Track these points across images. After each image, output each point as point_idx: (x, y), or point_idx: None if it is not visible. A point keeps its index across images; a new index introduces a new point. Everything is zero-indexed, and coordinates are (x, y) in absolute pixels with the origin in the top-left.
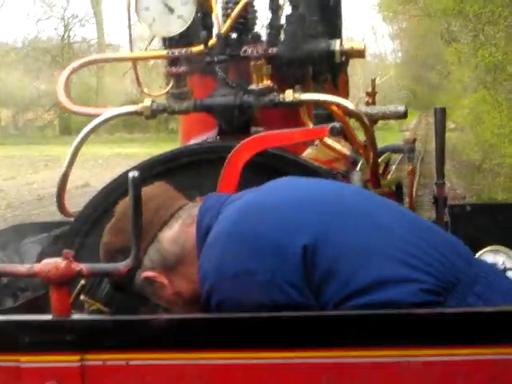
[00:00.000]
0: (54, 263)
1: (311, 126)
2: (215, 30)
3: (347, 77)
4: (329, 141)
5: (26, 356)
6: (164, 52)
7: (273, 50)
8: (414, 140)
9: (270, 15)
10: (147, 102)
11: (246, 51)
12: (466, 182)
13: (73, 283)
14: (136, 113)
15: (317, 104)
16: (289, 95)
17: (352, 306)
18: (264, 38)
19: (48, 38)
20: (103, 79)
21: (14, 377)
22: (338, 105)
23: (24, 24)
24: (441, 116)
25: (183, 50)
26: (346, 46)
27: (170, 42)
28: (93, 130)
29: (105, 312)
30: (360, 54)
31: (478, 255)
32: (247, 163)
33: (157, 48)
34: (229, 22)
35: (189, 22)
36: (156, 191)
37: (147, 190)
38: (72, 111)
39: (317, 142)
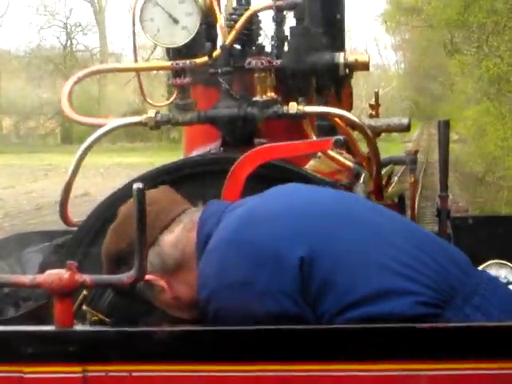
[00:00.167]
0: (57, 274)
1: (315, 138)
2: (219, 42)
3: (351, 89)
4: (332, 153)
5: (28, 367)
6: (168, 63)
7: (277, 62)
8: (416, 152)
9: (274, 27)
10: (151, 113)
11: (250, 63)
12: (469, 195)
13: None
14: (140, 123)
15: (320, 116)
16: (292, 107)
17: (348, 318)
18: (268, 49)
19: (50, 46)
20: (105, 88)
21: None
22: (342, 117)
23: (26, 32)
24: (444, 128)
25: (187, 62)
26: (350, 58)
27: (174, 53)
28: (97, 140)
29: (107, 323)
30: (364, 66)
31: (480, 269)
32: (250, 175)
33: (159, 57)
34: (233, 33)
35: (193, 33)
36: (158, 195)
37: (150, 194)
38: (76, 121)
39: (320, 153)
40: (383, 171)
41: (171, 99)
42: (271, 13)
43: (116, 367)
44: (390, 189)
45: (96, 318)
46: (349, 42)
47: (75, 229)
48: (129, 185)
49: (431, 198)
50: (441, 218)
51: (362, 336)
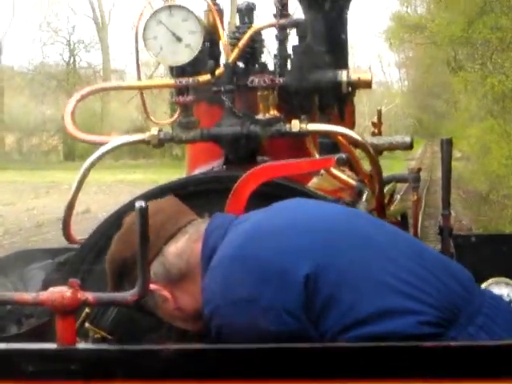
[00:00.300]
0: (59, 292)
1: (317, 156)
2: (222, 60)
3: (354, 106)
4: (334, 171)
5: None
6: (171, 81)
7: (280, 80)
8: (419, 170)
9: (277, 45)
10: (154, 131)
11: (252, 81)
12: (472, 213)
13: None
14: (143, 141)
15: (323, 134)
16: (295, 125)
17: (351, 337)
18: (271, 67)
19: (54, 63)
20: (108, 105)
21: None
22: (344, 135)
23: (29, 49)
24: (447, 146)
25: (190, 80)
26: (353, 76)
27: (177, 71)
28: (99, 158)
29: (110, 340)
30: (367, 84)
31: (482, 287)
32: (253, 193)
33: (163, 74)
34: (236, 51)
35: (196, 51)
36: (164, 205)
37: (156, 204)
38: (79, 139)
39: (322, 171)
40: (385, 189)
41: (174, 117)
42: (275, 31)
43: None
44: (392, 207)
45: (99, 336)
46: (352, 59)
47: (78, 246)
48: (131, 202)
49: (434, 216)
50: (443, 236)
51: (364, 355)
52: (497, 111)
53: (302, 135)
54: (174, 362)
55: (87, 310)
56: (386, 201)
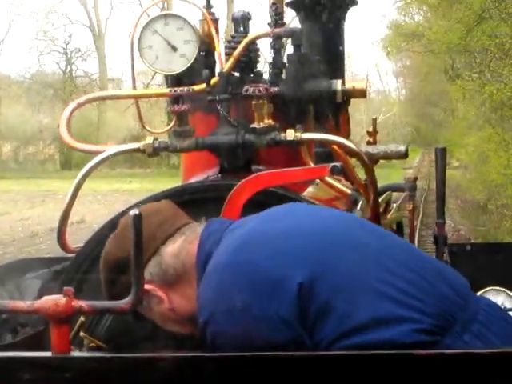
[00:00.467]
0: (54, 300)
1: (312, 164)
2: (217, 69)
3: (348, 115)
4: (330, 179)
5: None
6: (167, 90)
7: (274, 90)
8: (415, 179)
9: (272, 54)
10: (149, 140)
11: (247, 90)
12: (470, 223)
13: (73, 320)
14: (138, 150)
15: (318, 143)
16: (290, 134)
17: (345, 345)
18: (266, 75)
19: (50, 71)
20: (105, 114)
21: None
22: (339, 144)
23: (26, 57)
24: (441, 155)
25: (185, 89)
26: (348, 85)
27: (172, 80)
28: (94, 167)
29: (104, 349)
30: (361, 93)
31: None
32: (248, 201)
33: (159, 83)
34: (231, 60)
35: (191, 61)
36: (161, 207)
37: (152, 206)
38: (75, 149)
39: (318, 180)
40: (381, 198)
41: (170, 126)
42: (270, 40)
43: None
44: (388, 215)
45: (93, 344)
46: (350, 68)
47: (74, 255)
48: (126, 211)
49: (432, 226)
50: (438, 244)
51: (359, 363)
52: (495, 120)
53: (296, 144)
54: (169, 371)
55: (82, 318)
56: (381, 210)
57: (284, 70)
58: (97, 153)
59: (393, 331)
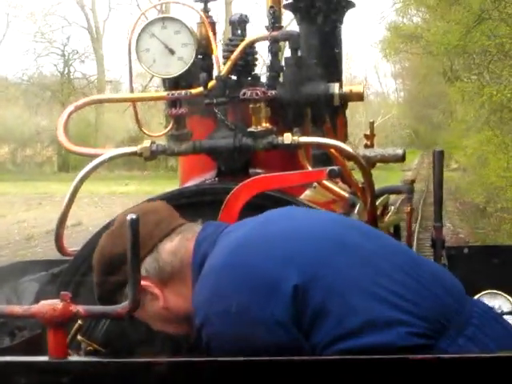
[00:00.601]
0: (51, 305)
1: (310, 168)
2: (215, 72)
3: (346, 119)
4: (327, 183)
5: None
6: (164, 93)
7: (272, 93)
8: (413, 181)
9: (269, 58)
10: (146, 144)
11: (245, 94)
12: (469, 226)
13: (70, 323)
14: (135, 154)
15: (315, 147)
16: (287, 138)
17: (340, 348)
18: (264, 78)
19: (48, 73)
20: (102, 115)
21: None
22: (336, 148)
23: (23, 59)
24: (439, 158)
25: (183, 92)
26: (345, 89)
27: (169, 84)
28: (92, 171)
29: (102, 353)
30: (359, 97)
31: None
32: (245, 205)
33: (157, 85)
34: (229, 64)
35: (189, 64)
36: (158, 206)
37: (149, 205)
38: (72, 152)
39: (315, 183)
40: (378, 201)
41: (167, 129)
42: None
43: None
44: (386, 218)
45: (91, 348)
46: (348, 70)
47: (71, 258)
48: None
49: (431, 229)
50: (435, 247)
51: (355, 368)
52: (494, 122)
53: (294, 147)
54: (166, 375)
55: (79, 321)
56: (379, 213)
57: (281, 74)
58: (94, 156)
59: (388, 334)
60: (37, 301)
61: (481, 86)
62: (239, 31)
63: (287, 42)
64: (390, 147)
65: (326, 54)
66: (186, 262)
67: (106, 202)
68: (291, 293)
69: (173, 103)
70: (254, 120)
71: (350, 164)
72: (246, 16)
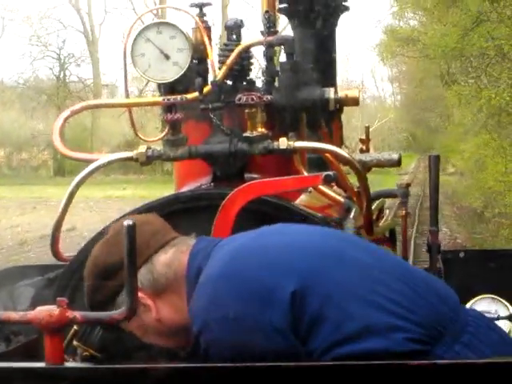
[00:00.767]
0: (47, 311)
1: (305, 173)
2: (210, 77)
3: (341, 123)
4: (322, 187)
5: None
6: (159, 99)
7: (267, 98)
8: (408, 185)
9: (264, 62)
10: (142, 149)
11: (240, 99)
12: (467, 231)
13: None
14: (131, 159)
15: (311, 152)
16: (283, 143)
17: (337, 354)
18: (259, 83)
19: (44, 77)
20: (99, 119)
21: None
22: (332, 153)
23: (19, 63)
24: (435, 163)
25: (178, 97)
26: (341, 93)
27: (165, 89)
28: (88, 176)
29: (98, 358)
30: (354, 102)
31: (470, 303)
32: (241, 210)
33: (153, 89)
34: (224, 69)
35: (184, 69)
36: (151, 218)
37: (143, 216)
38: (68, 157)
39: (311, 188)
40: (374, 205)
41: (163, 134)
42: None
43: None
44: (381, 222)
45: (87, 354)
46: (345, 74)
47: (66, 263)
48: (120, 220)
49: (427, 234)
50: (431, 252)
51: (351, 373)
52: (492, 125)
53: (289, 152)
54: (163, 381)
55: (75, 327)
56: (374, 217)
57: (277, 78)
58: (90, 161)
59: (385, 340)
60: (33, 306)
61: (478, 89)
62: (234, 36)
63: (282, 47)
64: (386, 151)
65: (321, 58)
66: (179, 274)
67: (101, 207)
68: (289, 300)
69: (168, 108)
70: (249, 125)
71: (345, 168)
72: (242, 21)
